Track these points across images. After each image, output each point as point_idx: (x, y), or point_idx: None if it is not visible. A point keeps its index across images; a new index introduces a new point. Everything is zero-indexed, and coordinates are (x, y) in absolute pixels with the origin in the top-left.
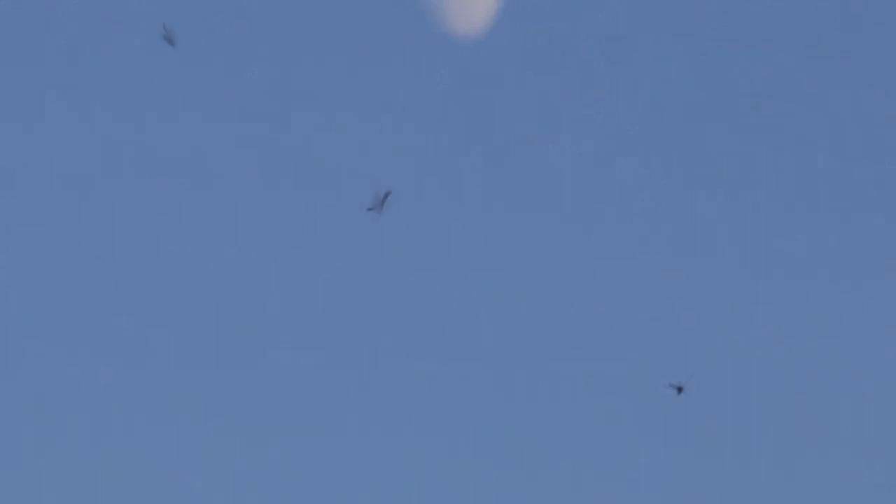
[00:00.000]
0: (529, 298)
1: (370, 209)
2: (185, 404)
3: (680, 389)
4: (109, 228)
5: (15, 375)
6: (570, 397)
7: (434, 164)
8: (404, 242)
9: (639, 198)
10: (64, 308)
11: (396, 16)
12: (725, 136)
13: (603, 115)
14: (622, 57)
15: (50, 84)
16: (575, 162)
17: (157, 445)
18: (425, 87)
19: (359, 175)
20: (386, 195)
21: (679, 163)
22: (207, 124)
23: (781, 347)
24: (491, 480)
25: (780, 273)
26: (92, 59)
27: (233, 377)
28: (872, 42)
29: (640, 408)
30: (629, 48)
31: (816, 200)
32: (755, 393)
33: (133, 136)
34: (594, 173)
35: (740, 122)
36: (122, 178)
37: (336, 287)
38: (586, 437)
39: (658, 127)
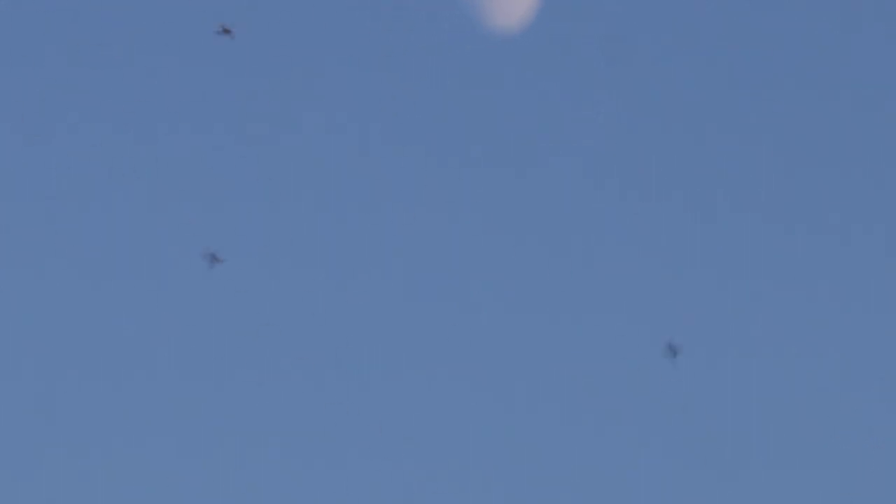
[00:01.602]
0: (528, 297)
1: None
2: (184, 410)
3: (675, 352)
4: (109, 234)
5: (16, 379)
6: (570, 404)
7: (433, 166)
8: (404, 244)
9: (638, 199)
10: (64, 313)
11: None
12: (725, 137)
13: (604, 115)
14: (625, 57)
15: (49, 88)
16: (575, 164)
17: (157, 452)
18: (420, 87)
19: (360, 180)
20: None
21: (679, 163)
22: (212, 127)
23: (780, 353)
24: (490, 487)
25: (781, 271)
26: (91, 63)
27: (231, 383)
28: (874, 43)
29: (640, 414)
30: (631, 48)
31: (817, 198)
32: (752, 400)
33: (132, 141)
34: (595, 174)
35: (741, 123)
36: (120, 184)
37: (333, 292)
38: (585, 446)
39: (659, 128)
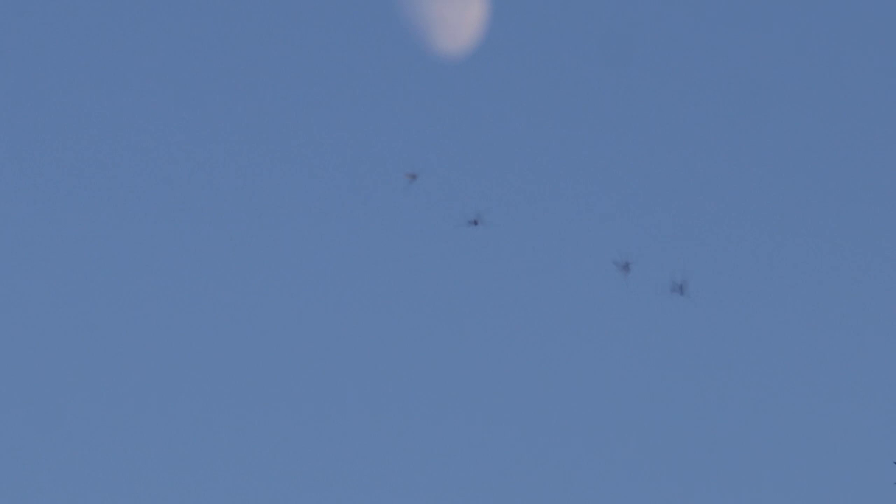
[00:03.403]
0: (526, 300)
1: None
2: (185, 404)
3: (626, 267)
4: (112, 223)
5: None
6: (574, 403)
7: (428, 177)
8: (397, 256)
9: (638, 205)
10: (63, 312)
11: (383, 34)
12: (725, 137)
13: (602, 118)
14: (623, 58)
15: (47, 87)
16: (573, 173)
17: (156, 445)
18: (420, 97)
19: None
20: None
21: (680, 166)
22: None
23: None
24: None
25: (780, 272)
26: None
27: (231, 377)
28: (874, 43)
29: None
30: (630, 48)
31: (816, 199)
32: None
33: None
34: (594, 179)
35: (742, 124)
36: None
37: (332, 286)
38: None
39: (658, 134)
